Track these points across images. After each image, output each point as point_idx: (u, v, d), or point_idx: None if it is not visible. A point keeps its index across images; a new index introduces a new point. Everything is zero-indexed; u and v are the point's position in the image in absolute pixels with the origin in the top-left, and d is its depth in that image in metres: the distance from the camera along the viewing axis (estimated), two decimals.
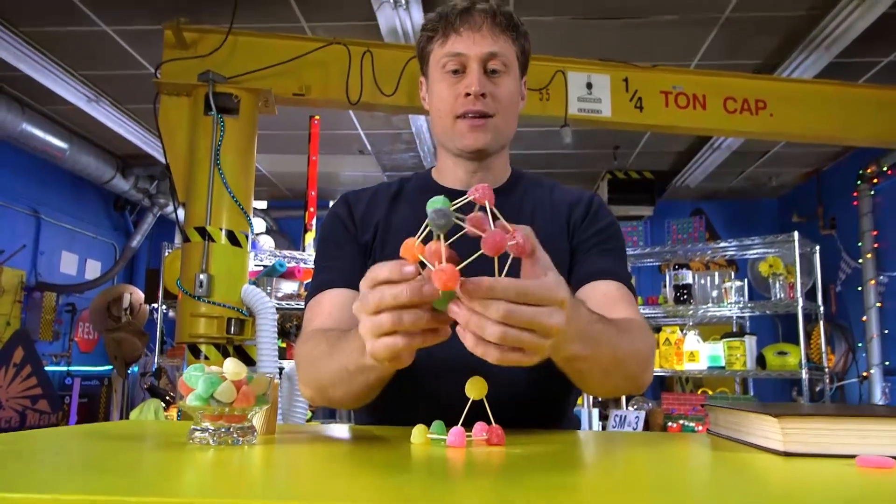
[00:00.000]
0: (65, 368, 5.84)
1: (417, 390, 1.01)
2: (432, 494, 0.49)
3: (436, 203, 0.60)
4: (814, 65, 3.80)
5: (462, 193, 0.76)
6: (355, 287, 1.07)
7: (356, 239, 1.15)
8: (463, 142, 1.10)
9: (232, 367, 0.61)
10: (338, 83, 3.14)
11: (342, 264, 1.12)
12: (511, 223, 0.63)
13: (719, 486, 0.55)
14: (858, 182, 5.26)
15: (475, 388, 0.71)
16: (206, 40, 3.07)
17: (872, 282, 5.08)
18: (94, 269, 6.52)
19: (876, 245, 5.15)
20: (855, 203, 5.30)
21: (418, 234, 0.62)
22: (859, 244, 5.24)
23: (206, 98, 2.97)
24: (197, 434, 0.64)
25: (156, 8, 3.48)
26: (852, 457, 0.59)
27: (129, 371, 4.73)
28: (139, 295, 4.67)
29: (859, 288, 5.21)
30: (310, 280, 3.96)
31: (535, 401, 1.08)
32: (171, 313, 4.08)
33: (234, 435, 0.64)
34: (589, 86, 3.35)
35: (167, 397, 3.47)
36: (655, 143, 5.46)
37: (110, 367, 6.06)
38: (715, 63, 3.96)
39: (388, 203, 1.17)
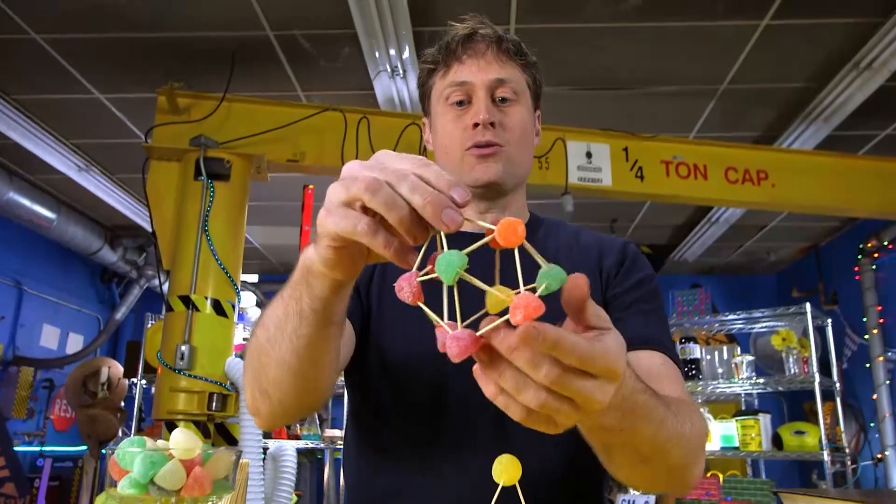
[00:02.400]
0: (38, 448, 5.52)
1: (430, 474, 0.86)
2: None
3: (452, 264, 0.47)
4: (813, 136, 3.78)
5: (472, 235, 0.63)
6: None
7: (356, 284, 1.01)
8: (472, 175, 0.97)
9: (181, 440, 0.46)
10: (333, 150, 3.07)
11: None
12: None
13: None
14: (859, 256, 5.18)
15: (507, 471, 0.55)
16: (200, 106, 3.01)
17: (881, 358, 4.93)
18: (76, 343, 6.29)
19: (881, 321, 5.02)
20: (857, 278, 5.21)
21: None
22: (864, 319, 5.11)
23: (196, 163, 2.88)
24: None
25: (151, 76, 3.45)
26: None
27: (103, 451, 4.46)
28: (118, 369, 4.45)
29: (867, 365, 5.04)
30: None
31: (572, 483, 0.91)
32: (152, 389, 3.87)
33: None
34: (589, 155, 3.29)
35: None
36: (653, 217, 5.40)
37: (86, 447, 5.75)
38: (714, 134, 3.94)
39: None
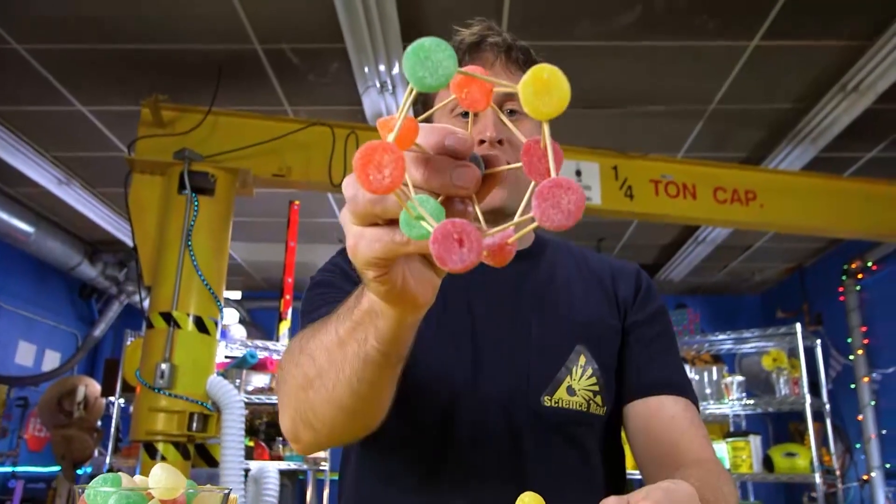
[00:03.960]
0: (10, 469, 5.36)
1: None
2: None
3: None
4: (800, 157, 3.80)
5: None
6: None
7: (357, 283, 0.95)
8: (477, 195, 0.92)
9: (162, 477, 0.41)
10: (320, 165, 3.02)
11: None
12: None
13: None
14: (844, 277, 5.21)
15: None
16: (185, 119, 2.96)
17: (866, 379, 4.93)
18: (52, 360, 6.14)
19: (866, 341, 5.04)
20: (841, 299, 5.23)
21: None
22: (848, 340, 5.12)
23: (180, 176, 2.82)
24: None
25: (135, 88, 3.39)
26: None
27: (79, 472, 4.32)
28: (95, 388, 4.34)
29: (852, 385, 5.05)
30: None
31: None
32: (130, 408, 3.77)
33: None
34: (578, 173, 3.27)
35: None
36: (640, 236, 5.40)
37: (60, 467, 5.59)
38: (702, 154, 3.95)
39: None
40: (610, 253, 5.75)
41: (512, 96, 0.92)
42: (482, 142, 0.90)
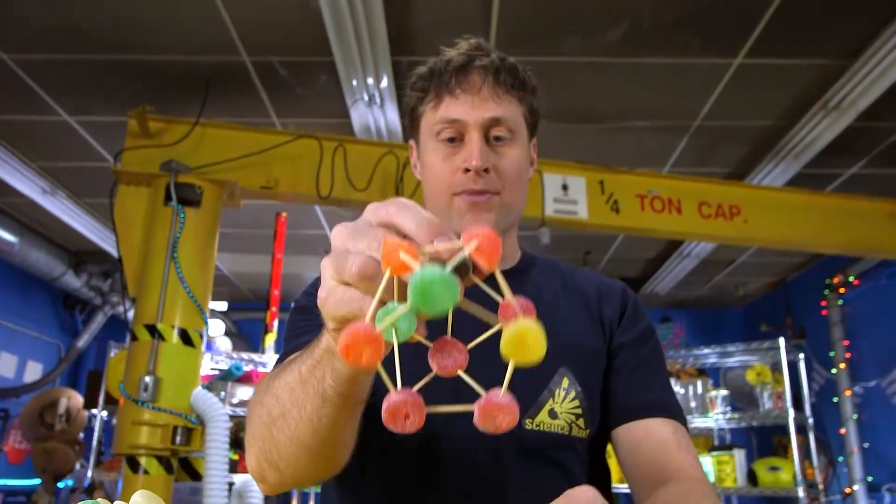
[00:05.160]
0: None
1: None
2: None
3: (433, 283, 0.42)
4: (782, 173, 3.85)
5: None
6: None
7: None
8: (461, 223, 0.91)
9: (142, 502, 0.40)
10: (308, 177, 3.03)
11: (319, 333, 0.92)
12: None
13: None
14: (826, 292, 5.27)
15: None
16: (172, 130, 2.95)
17: (848, 392, 4.98)
18: (34, 372, 6.06)
19: (848, 355, 5.09)
20: (824, 313, 5.29)
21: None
22: (831, 354, 5.18)
23: (167, 188, 2.81)
24: None
25: (121, 99, 3.38)
26: None
27: (59, 486, 4.26)
28: (77, 400, 4.28)
29: (835, 399, 5.10)
30: None
31: None
32: (112, 421, 3.72)
33: None
34: (565, 187, 3.30)
35: None
36: (626, 250, 5.43)
37: (40, 480, 5.51)
38: (686, 169, 3.99)
39: None
40: (596, 266, 5.78)
41: (499, 121, 0.91)
42: (467, 170, 0.90)
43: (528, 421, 0.87)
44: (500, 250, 0.45)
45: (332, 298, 0.49)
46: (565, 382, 0.90)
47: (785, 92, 3.29)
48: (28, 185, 4.31)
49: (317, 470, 0.72)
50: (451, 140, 0.92)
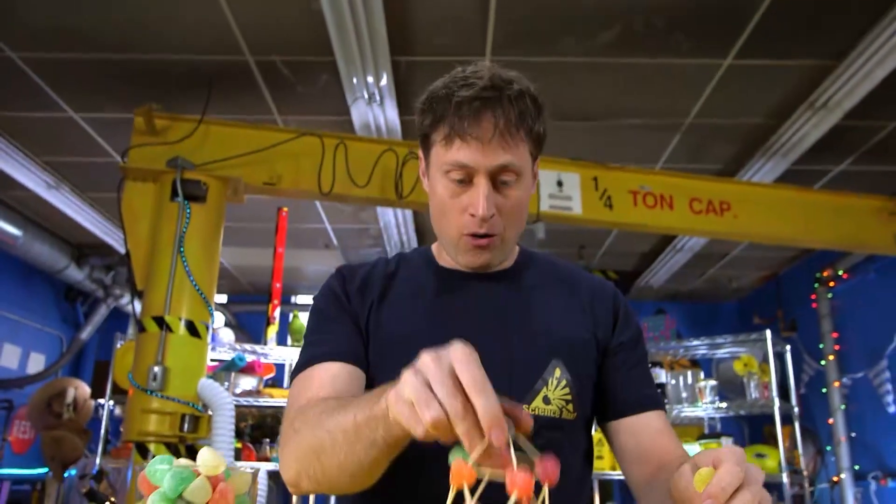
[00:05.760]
0: None
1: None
2: None
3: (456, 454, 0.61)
4: (772, 170, 3.94)
5: (464, 274, 0.99)
6: (349, 360, 0.98)
7: (350, 312, 1.05)
8: (464, 259, 1.03)
9: (209, 458, 0.50)
10: (309, 173, 3.11)
11: (335, 337, 1.02)
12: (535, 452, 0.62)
13: None
14: (816, 285, 5.37)
15: None
16: (177, 128, 3.03)
17: (837, 384, 5.10)
18: (37, 363, 6.15)
19: (837, 347, 5.20)
20: (814, 306, 5.39)
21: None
22: (821, 346, 5.29)
23: (173, 184, 2.89)
24: None
25: (126, 96, 3.46)
26: None
27: (65, 474, 4.36)
28: (84, 390, 4.37)
29: (823, 390, 5.21)
30: (271, 375, 3.73)
31: None
32: (117, 410, 3.81)
33: None
34: (560, 183, 3.39)
35: (107, 503, 3.18)
36: (620, 244, 5.53)
37: (45, 469, 5.60)
38: (678, 166, 4.08)
39: (382, 281, 1.09)
40: (591, 260, 5.88)
41: (506, 168, 0.96)
42: (473, 215, 0.96)
43: (524, 406, 0.98)
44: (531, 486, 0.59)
45: (426, 413, 0.62)
46: (557, 373, 1.01)
47: (773, 91, 3.38)
48: (33, 179, 4.39)
49: (353, 488, 0.84)
50: (461, 182, 0.97)
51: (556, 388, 1.00)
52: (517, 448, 0.61)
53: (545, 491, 0.59)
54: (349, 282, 1.08)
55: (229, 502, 0.51)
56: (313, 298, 1.12)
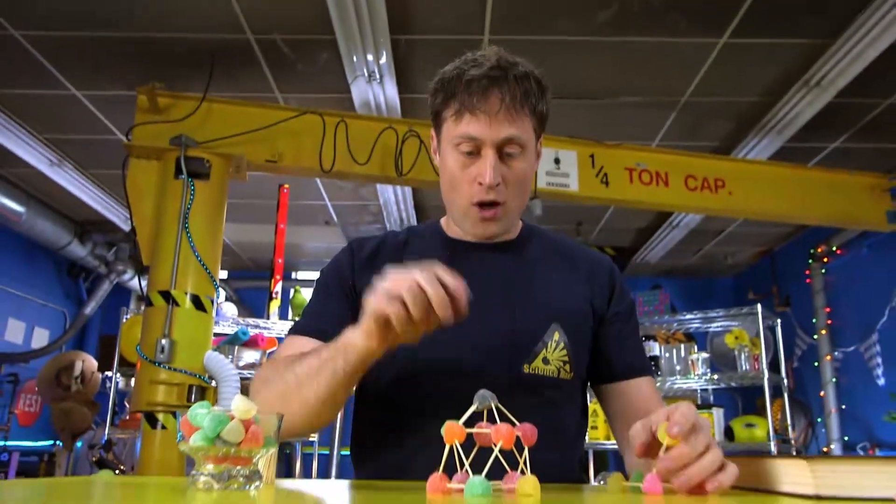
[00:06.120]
0: (1, 443, 5.48)
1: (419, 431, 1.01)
2: None
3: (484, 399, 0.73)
4: (767, 148, 4.00)
5: (471, 245, 1.12)
6: (330, 339, 1.08)
7: (352, 288, 1.14)
8: (473, 230, 1.11)
9: (242, 404, 0.58)
10: (311, 151, 3.16)
11: (328, 318, 1.12)
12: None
13: None
14: (810, 261, 5.46)
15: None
16: (180, 106, 3.08)
17: (828, 357, 5.20)
18: (41, 338, 6.25)
19: (829, 322, 5.30)
20: (808, 281, 5.48)
21: (463, 417, 0.71)
22: (814, 321, 5.38)
23: (177, 162, 2.95)
24: (202, 478, 0.60)
25: (127, 74, 3.50)
26: (887, 500, 0.59)
27: (77, 444, 4.47)
28: (91, 363, 4.47)
29: (815, 364, 5.32)
30: (273, 349, 3.84)
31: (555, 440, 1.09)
32: (122, 383, 3.90)
33: (241, 479, 0.60)
34: (557, 161, 3.44)
35: (116, 472, 3.27)
36: (617, 220, 5.60)
37: (50, 441, 5.72)
38: (675, 143, 4.14)
39: (393, 253, 1.17)
40: (588, 236, 5.95)
41: (512, 140, 1.04)
42: (481, 184, 1.04)
43: (525, 366, 1.07)
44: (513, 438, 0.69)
45: (379, 301, 0.83)
46: (556, 336, 1.10)
47: (768, 70, 3.42)
48: (35, 156, 4.44)
49: (308, 425, 0.98)
50: (469, 153, 1.06)
51: (554, 350, 1.10)
52: (502, 417, 0.71)
53: (526, 452, 0.70)
54: (357, 254, 1.17)
55: (259, 441, 0.58)
56: (321, 270, 1.20)
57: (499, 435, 0.67)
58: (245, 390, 3.81)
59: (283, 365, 0.98)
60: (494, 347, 1.07)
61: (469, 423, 0.69)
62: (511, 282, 1.13)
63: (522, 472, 0.68)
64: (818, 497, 0.60)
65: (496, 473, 0.67)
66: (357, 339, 0.87)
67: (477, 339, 1.06)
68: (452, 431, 0.68)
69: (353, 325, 0.89)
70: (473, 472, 0.64)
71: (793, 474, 0.63)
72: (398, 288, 0.80)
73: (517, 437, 0.69)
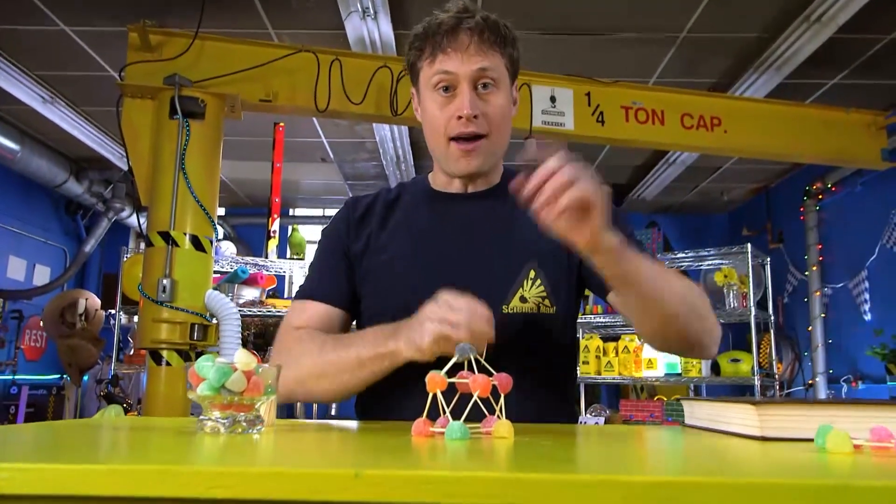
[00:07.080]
0: (10, 377, 5.64)
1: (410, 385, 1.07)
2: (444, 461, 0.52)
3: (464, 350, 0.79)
4: (765, 85, 3.97)
5: (457, 196, 1.16)
6: (335, 303, 1.17)
7: (347, 249, 1.20)
8: (456, 166, 1.14)
9: (243, 357, 0.63)
10: (305, 90, 3.14)
11: (328, 277, 1.20)
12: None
13: (702, 458, 0.59)
14: (805, 198, 5.49)
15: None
16: (172, 43, 3.04)
17: (818, 293, 5.30)
18: (42, 275, 6.33)
19: (821, 258, 5.38)
20: (802, 218, 5.53)
21: (445, 368, 0.77)
22: (805, 257, 5.46)
23: (171, 102, 2.93)
24: (209, 423, 0.65)
25: (118, 9, 3.44)
26: None
27: (81, 379, 4.61)
28: (94, 300, 4.55)
29: (805, 300, 5.42)
30: (272, 287, 3.90)
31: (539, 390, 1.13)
32: (124, 319, 3.99)
33: (244, 423, 0.66)
34: (553, 99, 3.43)
35: (124, 405, 3.40)
36: (613, 158, 5.59)
37: (58, 375, 5.87)
38: (672, 80, 4.10)
39: (383, 211, 1.22)
40: None
41: (485, 72, 1.09)
42: (460, 117, 1.08)
43: (504, 307, 1.11)
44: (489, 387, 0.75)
45: (439, 331, 0.90)
46: (532, 273, 1.14)
47: (768, 5, 3.37)
48: (28, 93, 4.39)
49: (338, 399, 1.12)
50: (446, 89, 1.10)
51: (531, 287, 1.13)
52: (480, 368, 0.77)
53: (502, 400, 0.77)
54: (352, 214, 1.23)
55: (260, 391, 0.64)
56: (322, 230, 1.26)
57: (476, 385, 0.73)
58: (244, 327, 3.91)
59: (310, 342, 1.08)
60: (473, 295, 1.11)
61: (451, 372, 0.74)
62: (491, 228, 1.17)
63: (499, 417, 0.74)
64: (763, 438, 0.66)
65: (477, 417, 0.73)
66: (406, 352, 0.94)
67: (458, 289, 1.10)
68: (434, 381, 0.74)
69: (395, 331, 0.97)
70: (454, 418, 0.69)
71: (742, 417, 0.69)
72: (457, 319, 0.88)
73: (493, 386, 0.74)
